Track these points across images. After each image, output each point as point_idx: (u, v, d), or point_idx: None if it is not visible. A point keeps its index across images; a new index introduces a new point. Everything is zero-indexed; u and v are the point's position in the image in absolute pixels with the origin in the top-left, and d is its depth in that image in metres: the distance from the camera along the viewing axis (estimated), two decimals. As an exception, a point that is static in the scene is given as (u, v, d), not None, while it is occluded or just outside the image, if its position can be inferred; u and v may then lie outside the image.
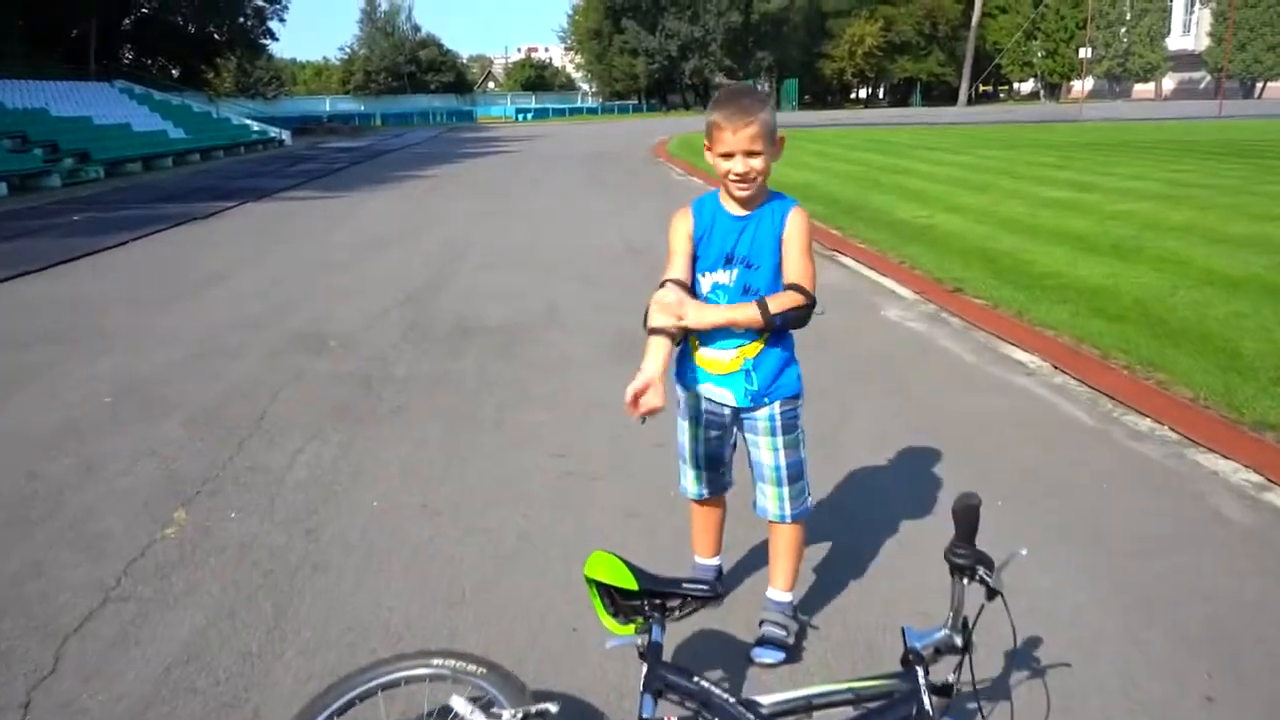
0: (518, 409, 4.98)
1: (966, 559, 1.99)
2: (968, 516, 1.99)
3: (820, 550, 3.37)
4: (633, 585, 2.29)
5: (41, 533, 3.60)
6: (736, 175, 2.46)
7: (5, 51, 33.53)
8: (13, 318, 7.47)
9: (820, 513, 3.61)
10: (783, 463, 2.66)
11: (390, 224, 13.00)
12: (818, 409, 4.81)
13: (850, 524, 3.58)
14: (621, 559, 2.35)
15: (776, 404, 2.61)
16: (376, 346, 6.30)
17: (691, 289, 2.54)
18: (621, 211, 13.24)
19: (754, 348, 2.55)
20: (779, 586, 2.80)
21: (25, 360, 6.06)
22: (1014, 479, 3.98)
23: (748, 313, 2.44)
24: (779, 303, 2.44)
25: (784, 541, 2.76)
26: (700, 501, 2.89)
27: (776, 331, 2.51)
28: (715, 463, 2.79)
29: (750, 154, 2.42)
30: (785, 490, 2.68)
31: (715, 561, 3.02)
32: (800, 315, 2.46)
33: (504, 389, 5.33)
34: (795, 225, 2.50)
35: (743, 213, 2.54)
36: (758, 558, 3.19)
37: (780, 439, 2.63)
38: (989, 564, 2.00)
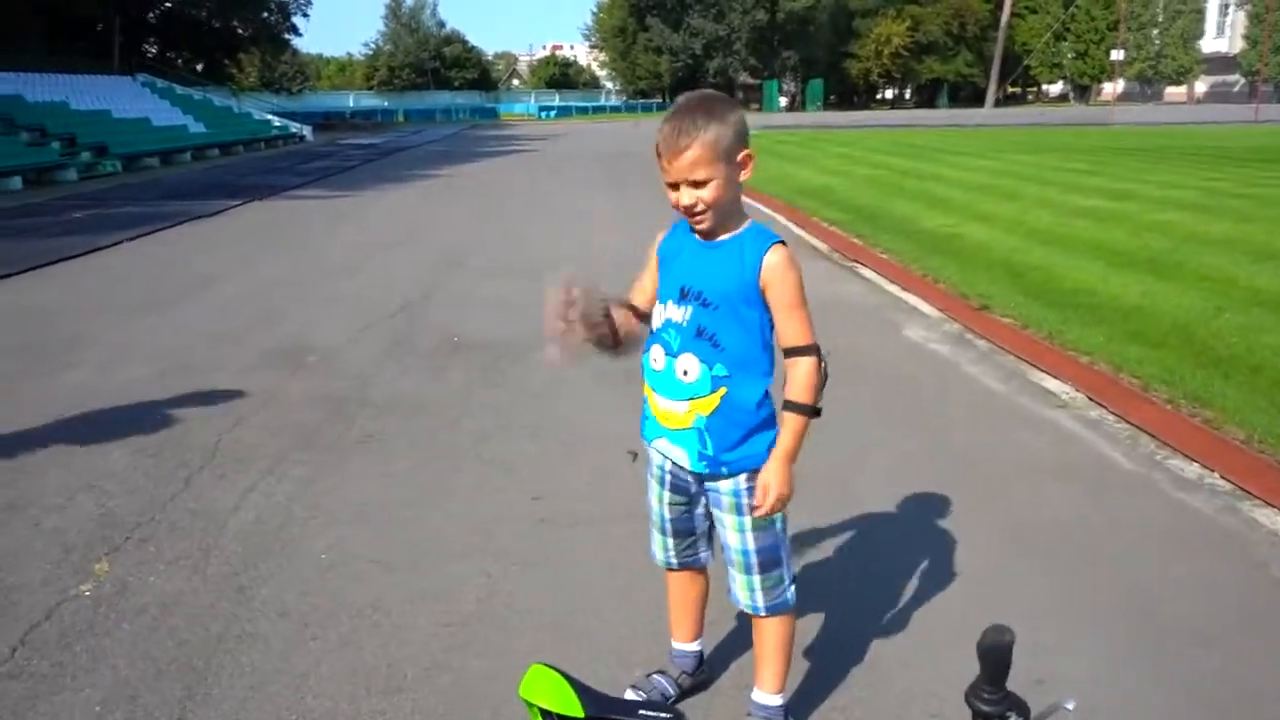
0: (498, 440, 4.55)
1: (995, 706, 1.54)
2: (998, 657, 1.53)
3: (819, 629, 2.90)
4: (578, 711, 1.86)
5: (-56, 586, 3.20)
6: (684, 208, 2.03)
7: (28, 45, 33.52)
8: (-24, 327, 7.11)
9: (821, 581, 3.17)
10: (751, 547, 2.20)
11: (394, 226, 12.62)
12: (826, 447, 4.35)
13: (857, 598, 3.11)
14: (565, 676, 1.92)
15: (741, 477, 2.15)
16: (357, 364, 5.89)
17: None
18: (636, 216, 12.77)
19: (708, 402, 2.10)
20: (764, 689, 2.34)
21: (-22, 375, 5.70)
22: (1046, 537, 3.51)
23: (793, 425, 2.08)
24: (797, 387, 2.06)
25: (766, 637, 2.31)
26: (672, 569, 2.45)
27: (740, 386, 2.09)
28: (683, 534, 2.35)
29: (694, 184, 1.99)
30: (756, 579, 2.23)
31: (694, 647, 2.56)
32: (820, 380, 2.08)
33: (486, 416, 4.90)
34: (776, 275, 2.05)
35: (711, 240, 2.11)
36: (749, 638, 2.74)
37: (747, 519, 2.18)
38: (1024, 711, 1.55)
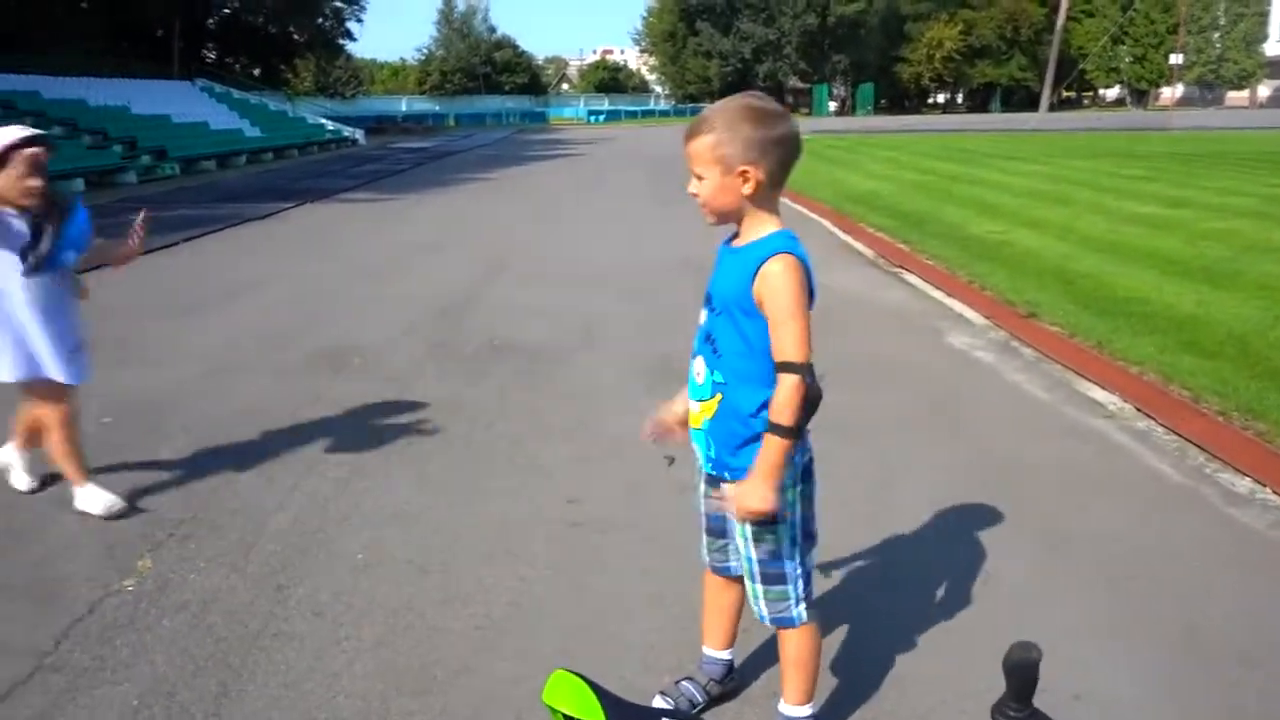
0: (534, 443, 4.56)
1: (1020, 724, 1.51)
2: (1024, 674, 1.50)
3: (851, 639, 2.87)
4: (600, 718, 1.86)
5: (-4, 577, 3.29)
6: (691, 194, 2.08)
7: (91, 50, 34.39)
8: (39, 324, 7.28)
9: (854, 592, 3.13)
10: (754, 556, 2.20)
11: (441, 229, 12.75)
12: (866, 455, 4.34)
13: (890, 609, 3.07)
14: (588, 682, 1.92)
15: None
16: (399, 365, 5.95)
17: None
18: (681, 220, 12.77)
19: (710, 406, 2.12)
20: (789, 700, 2.32)
21: (36, 372, 5.83)
22: (1089, 551, 3.43)
23: (766, 444, 2.02)
24: (776, 405, 2.00)
25: (786, 649, 2.30)
26: (708, 570, 2.45)
27: (736, 394, 2.08)
28: (716, 534, 2.36)
29: (697, 175, 2.05)
30: (759, 589, 2.23)
31: (724, 655, 2.55)
32: (804, 400, 1.99)
33: (523, 419, 4.92)
34: (769, 285, 2.00)
35: (736, 245, 2.12)
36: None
37: (750, 528, 2.17)
38: (1049, 728, 1.51)
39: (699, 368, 2.16)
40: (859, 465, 4.20)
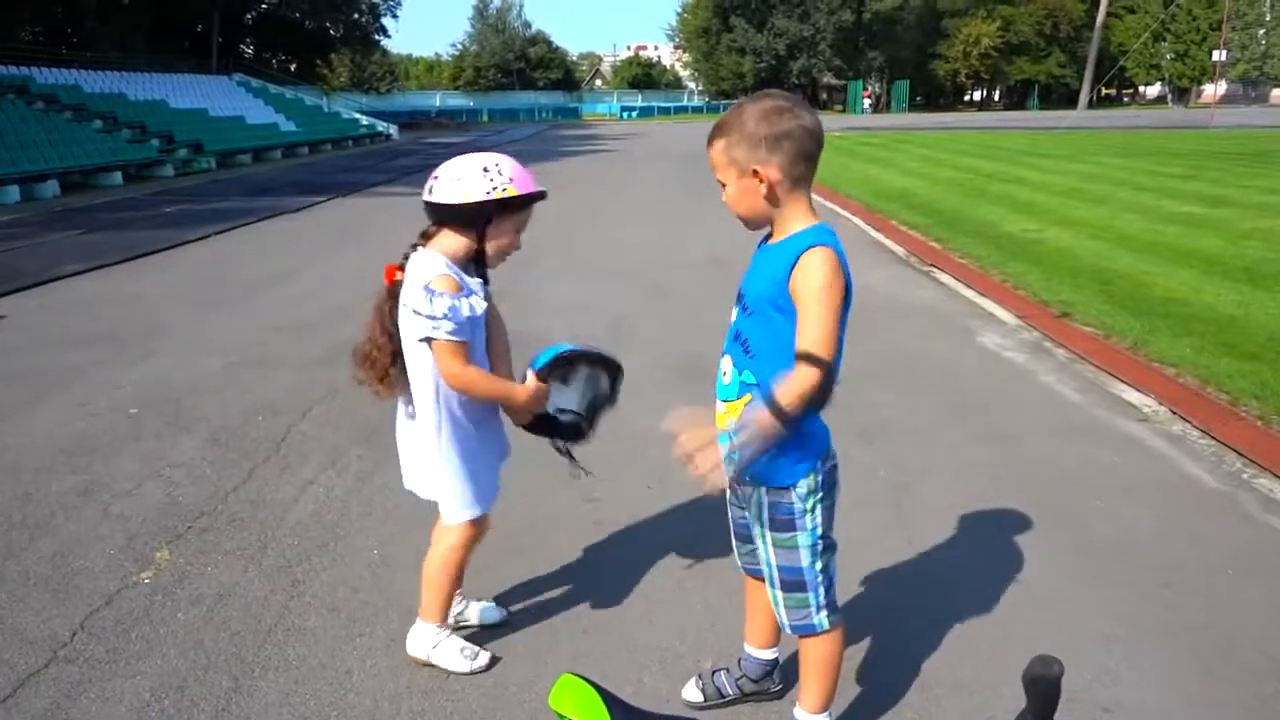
0: (557, 440, 4.52)
1: (1042, 744, 1.44)
2: (1044, 689, 1.43)
3: (873, 646, 2.80)
4: (606, 724, 1.81)
5: (15, 568, 3.30)
6: (724, 201, 2.03)
7: (132, 45, 34.85)
8: (65, 316, 7.37)
9: (877, 596, 3.06)
10: (774, 562, 2.14)
11: (472, 223, 12.71)
12: (893, 456, 4.26)
13: (914, 614, 3.00)
14: (594, 686, 1.87)
15: (763, 490, 2.08)
16: (424, 360, 5.94)
17: None
18: (710, 216, 12.70)
19: (737, 406, 2.04)
20: (804, 706, 2.26)
21: (63, 363, 5.89)
22: (1121, 558, 3.34)
23: (753, 412, 1.91)
24: (784, 385, 1.87)
25: (805, 655, 2.24)
26: (744, 573, 2.39)
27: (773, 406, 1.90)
28: (742, 539, 2.30)
29: (720, 182, 2.01)
30: (779, 594, 2.17)
31: (762, 654, 2.48)
32: (813, 396, 1.87)
33: (547, 415, 4.87)
34: (802, 273, 1.89)
35: (770, 243, 2.04)
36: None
37: (769, 534, 2.11)
38: (1073, 750, 1.44)
39: (726, 367, 2.09)
40: (886, 466, 4.12)
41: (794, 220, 1.99)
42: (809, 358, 1.86)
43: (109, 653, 2.78)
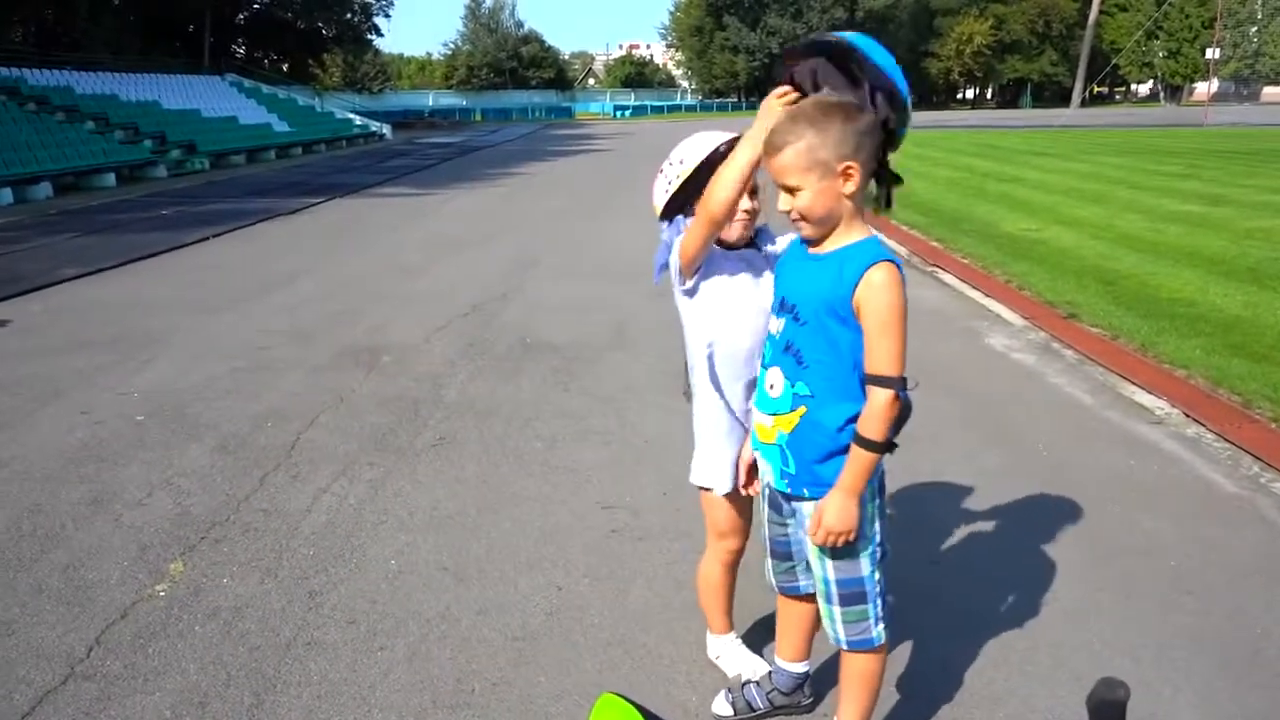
0: (569, 446, 4.49)
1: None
2: (1110, 714, 1.40)
3: (898, 657, 2.77)
4: (648, 745, 1.78)
5: (26, 580, 3.25)
6: (783, 211, 1.95)
7: (123, 46, 34.69)
8: (67, 321, 7.30)
9: (898, 603, 3.03)
10: (831, 577, 2.09)
11: (469, 225, 12.70)
12: (904, 462, 4.21)
13: (934, 624, 2.97)
14: (635, 705, 1.84)
15: (820, 502, 2.04)
16: (430, 364, 5.90)
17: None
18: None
19: (788, 420, 2.01)
20: (847, 721, 2.23)
21: (67, 368, 5.84)
22: (1138, 565, 3.31)
23: (855, 458, 1.94)
24: (868, 420, 1.91)
25: (849, 670, 2.20)
26: (780, 593, 2.35)
27: (822, 408, 1.97)
28: (781, 557, 2.25)
29: (787, 189, 1.91)
30: (836, 610, 2.12)
31: (793, 668, 2.44)
32: (895, 415, 1.90)
33: (558, 421, 4.84)
34: (872, 294, 1.88)
35: (819, 251, 1.98)
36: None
37: (826, 548, 2.06)
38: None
39: (775, 379, 2.05)
40: (897, 472, 4.09)
41: (854, 227, 1.96)
42: (883, 380, 1.88)
43: (127, 668, 2.74)
